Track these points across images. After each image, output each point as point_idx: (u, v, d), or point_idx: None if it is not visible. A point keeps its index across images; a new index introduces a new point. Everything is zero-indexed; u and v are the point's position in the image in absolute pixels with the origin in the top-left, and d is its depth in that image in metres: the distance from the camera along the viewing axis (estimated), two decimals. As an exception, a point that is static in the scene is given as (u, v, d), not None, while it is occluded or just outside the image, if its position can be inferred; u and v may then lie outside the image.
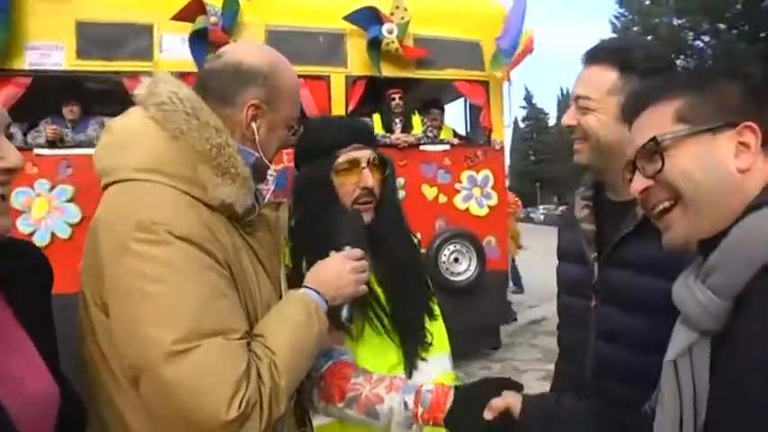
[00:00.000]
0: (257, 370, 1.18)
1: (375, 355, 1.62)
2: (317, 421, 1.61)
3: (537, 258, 13.73)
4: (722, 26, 25.14)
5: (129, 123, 1.34)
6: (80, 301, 1.28)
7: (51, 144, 5.53)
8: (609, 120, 1.42)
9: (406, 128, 6.68)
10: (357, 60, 6.28)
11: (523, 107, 77.55)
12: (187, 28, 5.62)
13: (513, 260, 10.27)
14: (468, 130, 7.75)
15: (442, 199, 6.54)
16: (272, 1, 6.13)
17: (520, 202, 10.29)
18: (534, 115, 76.27)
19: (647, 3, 28.52)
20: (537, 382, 6.00)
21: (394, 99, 6.61)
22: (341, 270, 1.46)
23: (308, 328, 1.32)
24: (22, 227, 5.21)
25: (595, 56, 1.49)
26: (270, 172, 1.50)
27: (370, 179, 1.63)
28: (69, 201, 5.40)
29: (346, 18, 6.13)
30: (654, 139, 1.02)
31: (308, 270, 1.49)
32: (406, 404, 1.44)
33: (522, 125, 76.44)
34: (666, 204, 1.03)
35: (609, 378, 1.44)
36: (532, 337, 8.37)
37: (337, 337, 1.57)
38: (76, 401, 1.19)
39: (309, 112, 5.82)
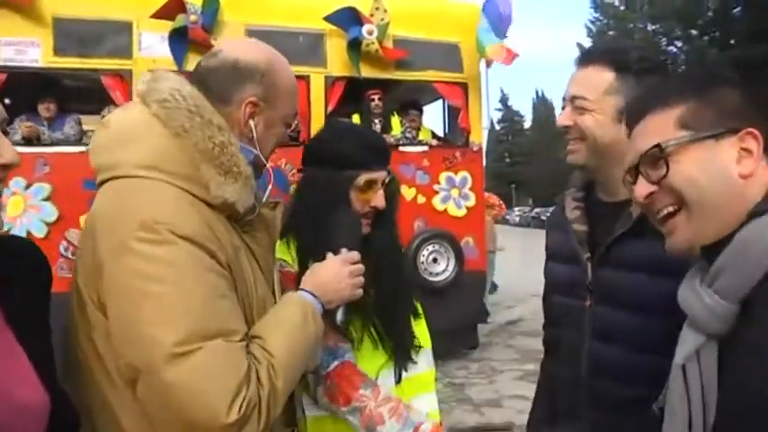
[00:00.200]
0: (256, 372, 1.17)
1: (364, 357, 1.67)
2: (312, 412, 1.63)
3: (513, 260, 13.90)
4: (694, 32, 25.63)
5: (128, 119, 1.32)
6: (73, 300, 1.25)
7: (28, 142, 5.47)
8: (606, 120, 1.44)
9: (385, 129, 6.72)
10: (337, 61, 6.30)
11: (499, 109, 78.08)
12: (166, 26, 5.59)
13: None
14: (447, 131, 7.80)
15: (421, 200, 6.58)
16: (252, 0, 6.12)
17: (504, 206, 10.32)
18: (510, 117, 76.82)
19: (623, 8, 28.99)
20: (513, 381, 6.07)
21: (373, 100, 6.65)
22: (339, 274, 1.47)
23: (305, 331, 1.32)
24: (-3, 225, 5.13)
25: (591, 57, 1.50)
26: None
27: (382, 201, 1.69)
28: (46, 199, 5.34)
29: (326, 18, 6.14)
30: (658, 145, 1.03)
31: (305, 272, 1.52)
32: None
33: (497, 127, 76.92)
34: (671, 209, 1.04)
35: (604, 377, 1.44)
36: (509, 338, 8.44)
37: (335, 338, 1.60)
38: (68, 407, 1.14)
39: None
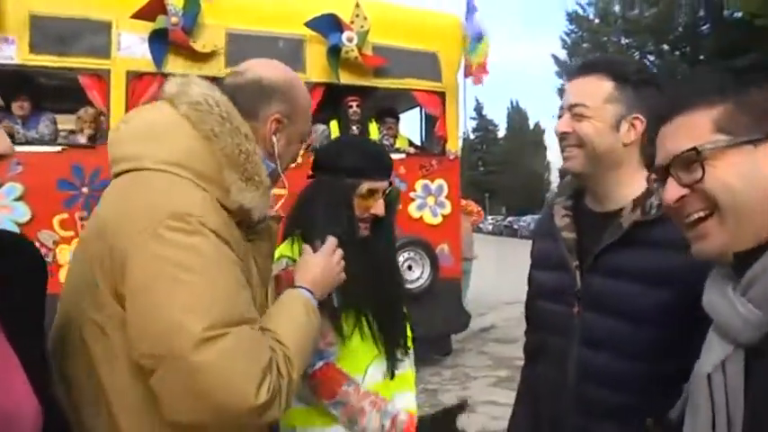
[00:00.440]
0: (276, 362, 1.21)
1: (356, 351, 1.81)
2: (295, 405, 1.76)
3: (486, 268, 14.00)
4: (666, 47, 26.13)
5: (156, 117, 1.36)
6: (76, 298, 1.25)
7: (0, 140, 5.36)
8: (604, 127, 1.47)
9: (363, 135, 6.73)
10: (316, 66, 6.31)
11: (474, 118, 78.47)
12: (146, 27, 5.55)
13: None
14: (423, 139, 7.85)
15: (397, 207, 6.58)
16: (233, 4, 6.12)
17: (482, 212, 10.38)
18: (484, 126, 77.28)
19: (597, 21, 29.35)
20: (487, 387, 6.13)
21: (351, 106, 6.66)
22: (327, 266, 1.58)
23: (309, 326, 1.40)
24: (-33, 224, 5.05)
25: (590, 67, 1.54)
26: None
27: (382, 209, 1.85)
28: (18, 199, 5.27)
29: (307, 24, 6.16)
30: (695, 149, 0.99)
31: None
32: (383, 426, 1.73)
33: (472, 136, 77.29)
34: (701, 214, 1.01)
35: (592, 383, 1.47)
36: (482, 345, 8.50)
37: (327, 332, 1.72)
38: (59, 415, 1.12)
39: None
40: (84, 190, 5.49)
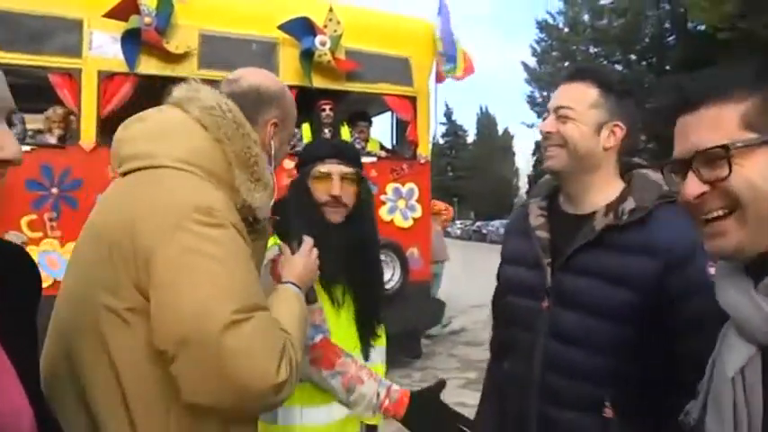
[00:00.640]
0: (288, 343, 1.29)
1: (337, 339, 1.92)
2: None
3: (455, 272, 14.09)
4: (633, 57, 26.68)
5: (167, 118, 1.43)
6: (89, 297, 1.27)
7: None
8: (587, 130, 1.57)
9: (335, 138, 6.77)
10: (288, 70, 6.33)
11: (443, 123, 78.80)
12: (119, 26, 5.53)
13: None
14: (395, 143, 7.92)
15: (368, 210, 6.63)
16: (206, 5, 6.12)
17: (451, 210, 10.37)
18: (454, 131, 77.68)
19: (566, 31, 29.79)
20: (456, 390, 6.18)
21: (324, 110, 6.68)
22: (308, 264, 1.70)
23: (302, 316, 1.49)
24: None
25: (577, 75, 1.64)
26: None
27: (337, 189, 1.92)
28: (-15, 198, 5.18)
29: (280, 27, 6.19)
30: (725, 146, 0.95)
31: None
32: (378, 394, 1.81)
33: (441, 141, 77.58)
34: (721, 213, 0.98)
35: (557, 375, 1.55)
36: (451, 347, 8.58)
37: (317, 317, 1.87)
38: (53, 422, 1.10)
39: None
40: (54, 190, 5.45)
